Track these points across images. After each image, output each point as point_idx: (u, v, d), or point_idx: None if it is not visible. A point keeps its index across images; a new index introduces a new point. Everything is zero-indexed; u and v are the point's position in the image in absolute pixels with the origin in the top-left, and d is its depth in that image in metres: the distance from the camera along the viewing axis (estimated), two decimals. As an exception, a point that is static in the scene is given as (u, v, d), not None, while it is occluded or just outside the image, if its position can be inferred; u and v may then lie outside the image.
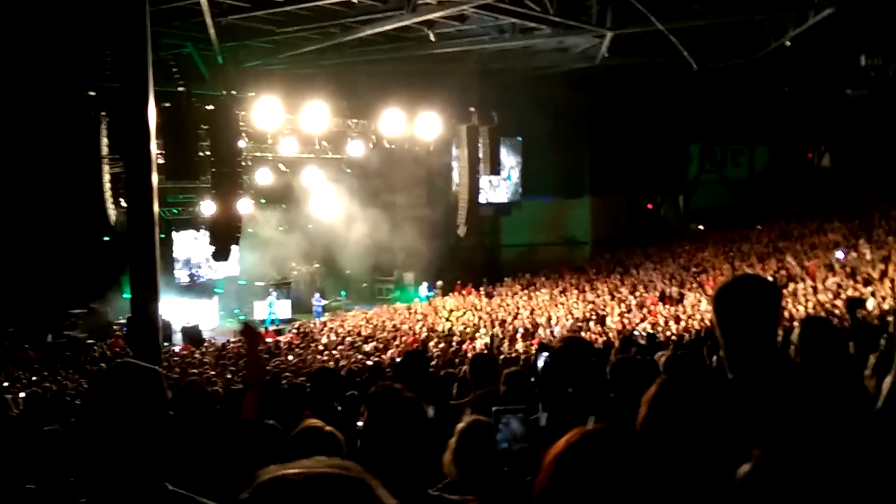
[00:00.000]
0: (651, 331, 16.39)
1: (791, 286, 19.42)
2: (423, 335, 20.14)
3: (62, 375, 17.58)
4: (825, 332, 4.04)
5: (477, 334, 20.21)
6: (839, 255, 21.51)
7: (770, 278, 19.75)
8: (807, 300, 17.42)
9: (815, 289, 18.68)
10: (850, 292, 17.41)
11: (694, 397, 2.33)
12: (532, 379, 5.02)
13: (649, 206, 38.14)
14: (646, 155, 34.44)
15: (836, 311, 15.14)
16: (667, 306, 20.58)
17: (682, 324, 17.52)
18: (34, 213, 23.35)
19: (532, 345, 16.96)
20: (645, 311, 20.56)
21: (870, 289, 17.65)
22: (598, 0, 21.53)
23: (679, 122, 34.05)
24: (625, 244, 32.30)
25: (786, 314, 15.48)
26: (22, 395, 12.56)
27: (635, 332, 16.57)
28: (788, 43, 23.19)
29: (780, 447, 1.93)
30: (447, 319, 22.75)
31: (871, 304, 15.33)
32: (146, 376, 2.29)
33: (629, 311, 20.81)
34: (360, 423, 3.33)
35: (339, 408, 5.59)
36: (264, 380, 6.00)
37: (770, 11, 22.09)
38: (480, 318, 22.30)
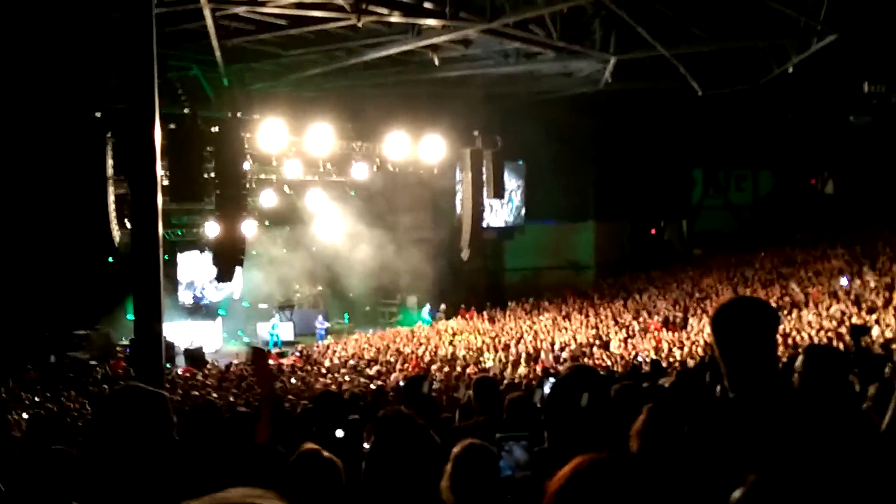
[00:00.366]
0: (654, 356, 16.35)
1: (794, 313, 19.37)
2: (427, 359, 20.10)
3: (65, 396, 17.54)
4: (828, 360, 4.03)
5: (481, 358, 20.17)
6: (843, 281, 21.47)
7: (773, 304, 19.73)
8: (810, 327, 17.36)
9: (818, 316, 18.62)
10: (854, 320, 17.35)
11: (683, 425, 2.34)
12: (537, 404, 5.00)
13: (653, 230, 38.15)
14: (650, 179, 34.49)
15: (841, 339, 15.10)
16: (670, 332, 20.53)
17: (686, 350, 17.47)
18: (39, 234, 23.39)
19: (535, 369, 16.93)
20: (648, 336, 20.52)
21: (874, 316, 17.60)
22: (602, 25, 21.68)
23: (683, 147, 34.13)
24: (628, 269, 32.28)
25: (789, 341, 15.43)
26: (25, 415, 12.52)
27: (639, 359, 16.54)
28: (791, 69, 23.30)
29: (774, 472, 1.94)
30: (450, 343, 22.71)
31: (875, 331, 15.29)
32: (152, 400, 2.30)
33: (632, 336, 20.78)
34: (366, 446, 3.30)
35: (342, 433, 5.56)
36: (278, 403, 5.96)
37: (773, 38, 22.21)
38: (484, 341, 22.26)
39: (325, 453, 3.10)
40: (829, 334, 16.06)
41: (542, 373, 14.93)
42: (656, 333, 20.58)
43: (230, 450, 4.23)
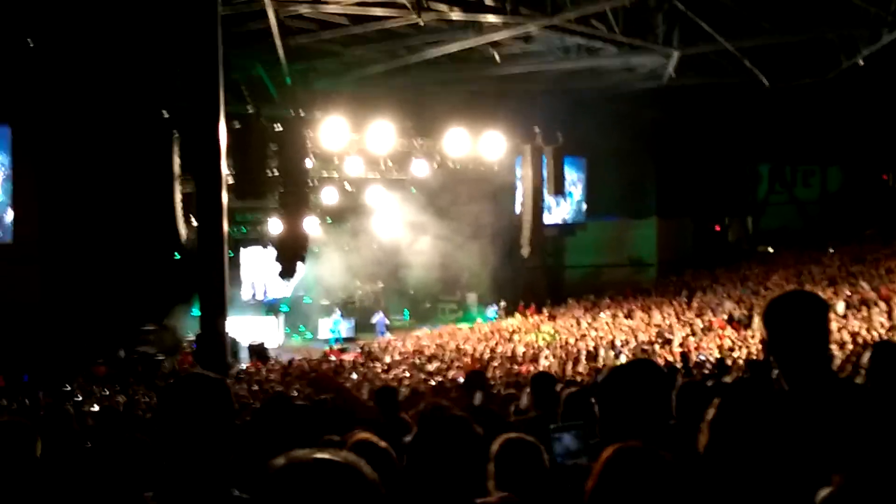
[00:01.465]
0: (718, 354, 16.10)
1: (864, 311, 18.89)
2: (486, 356, 20.12)
3: (133, 390, 18.00)
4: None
5: (541, 356, 20.10)
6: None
7: (842, 303, 19.29)
8: (881, 326, 16.91)
9: (889, 314, 18.12)
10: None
11: (752, 418, 2.33)
12: (592, 400, 4.96)
13: (717, 227, 37.53)
14: (714, 175, 33.90)
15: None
16: (734, 330, 20.17)
17: (753, 348, 17.14)
18: (108, 230, 24.00)
19: (595, 368, 16.81)
20: (712, 334, 20.20)
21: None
22: (665, 20, 21.38)
23: (748, 142, 33.48)
24: (692, 266, 31.80)
25: (859, 339, 15.07)
26: (96, 407, 12.87)
27: (702, 357, 16.30)
28: (861, 62, 22.67)
29: (861, 473, 1.91)
30: (509, 341, 22.69)
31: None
32: (213, 386, 2.38)
33: (695, 334, 20.48)
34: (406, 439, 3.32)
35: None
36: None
37: (842, 30, 21.64)
38: (543, 339, 22.18)
39: (382, 443, 3.13)
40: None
41: (599, 370, 14.82)
42: (720, 332, 20.25)
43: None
